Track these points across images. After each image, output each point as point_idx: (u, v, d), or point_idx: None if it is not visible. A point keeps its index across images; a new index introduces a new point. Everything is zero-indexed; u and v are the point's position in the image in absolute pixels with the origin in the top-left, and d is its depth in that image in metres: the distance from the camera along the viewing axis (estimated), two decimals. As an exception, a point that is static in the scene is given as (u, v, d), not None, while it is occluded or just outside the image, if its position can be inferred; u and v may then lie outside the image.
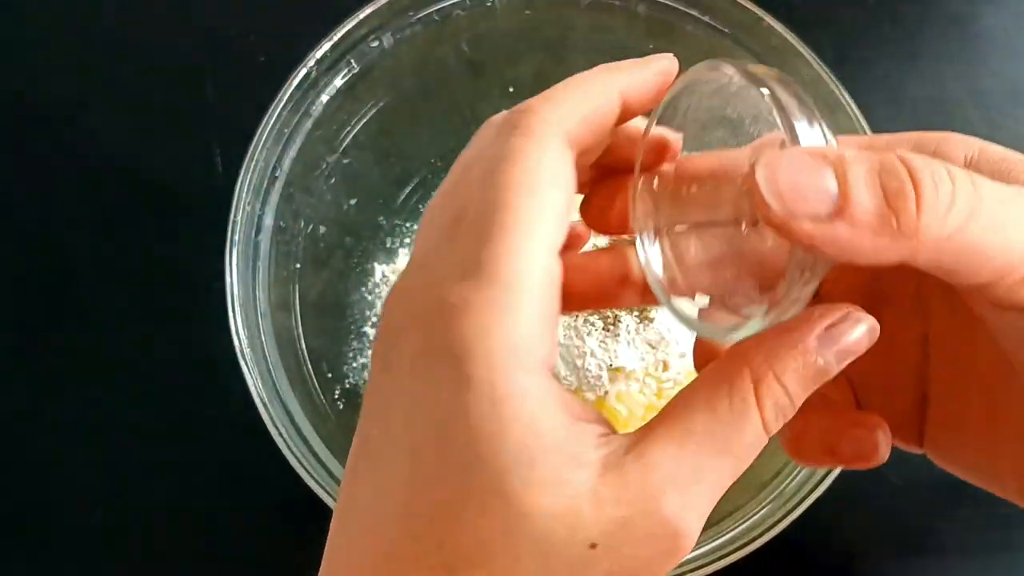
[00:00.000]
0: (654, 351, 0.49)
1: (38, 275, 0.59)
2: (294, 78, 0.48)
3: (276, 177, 0.48)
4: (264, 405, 0.43)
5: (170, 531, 0.55)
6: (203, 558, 0.54)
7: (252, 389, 0.43)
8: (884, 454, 0.28)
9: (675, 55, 0.33)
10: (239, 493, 0.54)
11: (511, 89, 0.56)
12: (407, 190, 0.57)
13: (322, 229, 0.53)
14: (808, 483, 0.43)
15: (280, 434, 0.43)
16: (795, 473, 0.44)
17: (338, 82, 0.49)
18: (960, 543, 0.54)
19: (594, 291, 0.29)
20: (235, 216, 0.46)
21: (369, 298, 0.56)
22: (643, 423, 0.45)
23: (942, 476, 0.54)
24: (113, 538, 0.55)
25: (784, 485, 0.44)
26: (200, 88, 0.61)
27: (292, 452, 0.42)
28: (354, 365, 0.54)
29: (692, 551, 0.42)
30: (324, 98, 0.49)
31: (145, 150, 0.61)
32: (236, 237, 0.46)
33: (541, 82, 0.55)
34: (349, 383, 0.53)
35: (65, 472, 0.56)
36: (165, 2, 0.64)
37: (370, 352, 0.55)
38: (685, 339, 0.49)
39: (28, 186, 0.61)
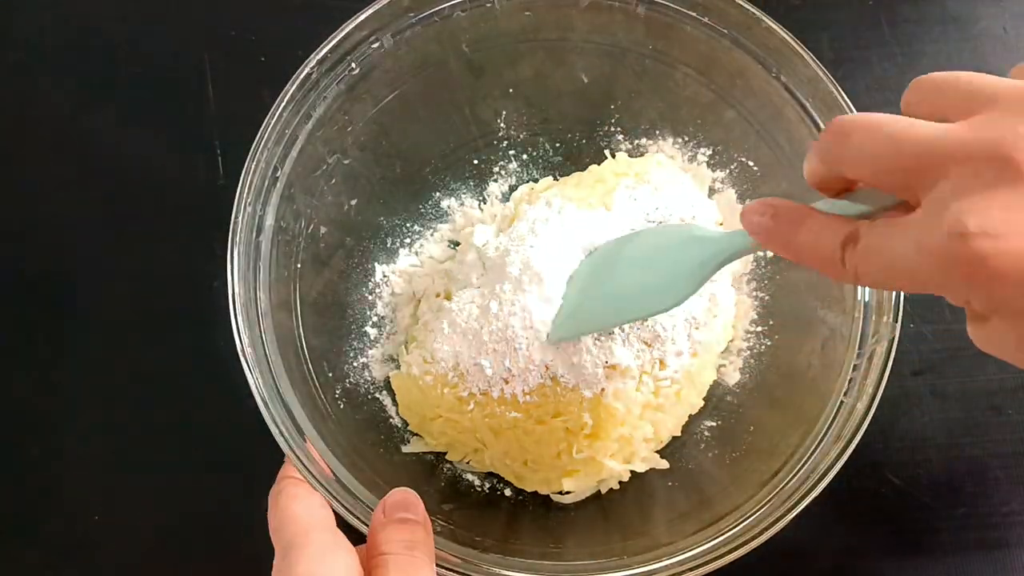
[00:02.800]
0: (650, 349, 0.49)
1: (38, 275, 0.59)
2: (295, 79, 0.48)
3: (277, 178, 0.48)
4: (265, 404, 0.43)
5: (170, 530, 0.55)
6: (203, 557, 0.55)
7: (253, 389, 0.43)
8: None
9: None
10: (239, 493, 0.54)
11: (511, 90, 0.56)
12: (407, 190, 0.57)
13: (323, 229, 0.53)
14: (807, 482, 0.43)
15: (281, 433, 0.43)
16: (794, 472, 0.44)
17: (339, 83, 0.49)
18: (958, 542, 0.54)
19: None
20: (236, 216, 0.46)
21: (370, 298, 0.56)
22: (641, 421, 0.47)
23: (941, 476, 0.55)
24: (113, 538, 0.55)
25: (783, 484, 0.44)
26: (200, 88, 0.62)
27: (293, 452, 0.43)
28: (355, 364, 0.54)
29: (690, 551, 0.42)
30: (325, 99, 0.49)
31: (145, 150, 0.61)
32: (238, 237, 0.46)
33: (540, 83, 0.56)
34: (350, 382, 0.53)
35: (66, 472, 0.56)
36: (165, 2, 0.64)
37: (371, 352, 0.55)
38: (681, 338, 0.50)
39: (28, 186, 0.61)
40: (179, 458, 0.56)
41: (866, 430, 0.49)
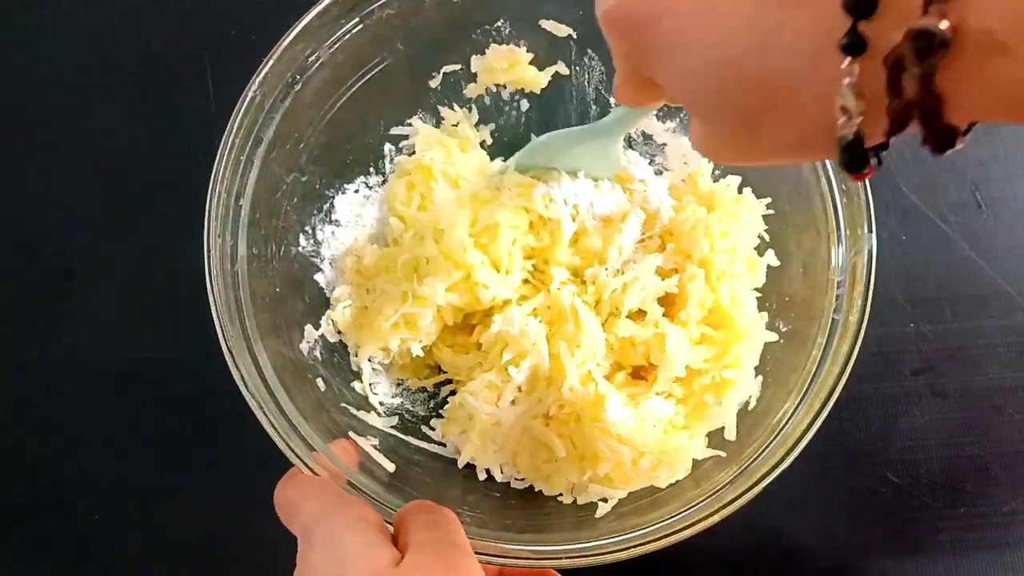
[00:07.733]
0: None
1: (38, 274, 0.59)
2: (240, 105, 0.47)
3: (240, 206, 0.48)
4: (277, 432, 0.43)
5: (170, 531, 0.55)
6: (204, 557, 0.54)
7: (265, 423, 0.43)
8: None
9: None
10: (241, 493, 0.53)
11: (451, 80, 0.56)
12: (368, 197, 0.57)
13: (294, 250, 0.52)
14: (815, 403, 0.43)
15: (297, 456, 0.43)
16: (803, 394, 0.44)
17: (284, 101, 0.49)
18: (958, 542, 0.55)
19: None
20: (209, 251, 0.45)
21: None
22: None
23: (941, 476, 0.56)
24: (113, 538, 0.55)
25: (794, 412, 0.44)
26: (201, 87, 0.61)
27: (302, 462, 0.42)
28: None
29: (725, 486, 0.43)
30: (273, 119, 0.49)
31: (146, 149, 0.60)
32: (214, 272, 0.45)
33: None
34: (355, 395, 0.53)
35: (65, 472, 0.55)
36: (166, 3, 0.63)
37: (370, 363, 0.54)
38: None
39: (27, 186, 0.60)
40: (180, 458, 0.55)
41: (866, 429, 0.50)
